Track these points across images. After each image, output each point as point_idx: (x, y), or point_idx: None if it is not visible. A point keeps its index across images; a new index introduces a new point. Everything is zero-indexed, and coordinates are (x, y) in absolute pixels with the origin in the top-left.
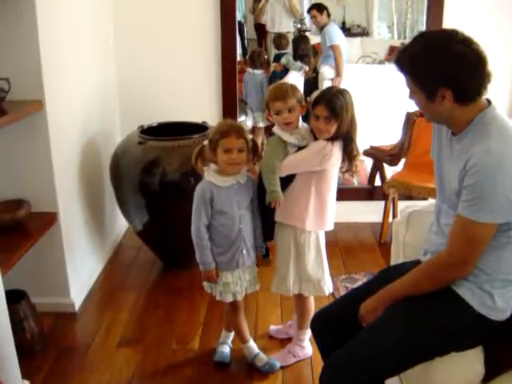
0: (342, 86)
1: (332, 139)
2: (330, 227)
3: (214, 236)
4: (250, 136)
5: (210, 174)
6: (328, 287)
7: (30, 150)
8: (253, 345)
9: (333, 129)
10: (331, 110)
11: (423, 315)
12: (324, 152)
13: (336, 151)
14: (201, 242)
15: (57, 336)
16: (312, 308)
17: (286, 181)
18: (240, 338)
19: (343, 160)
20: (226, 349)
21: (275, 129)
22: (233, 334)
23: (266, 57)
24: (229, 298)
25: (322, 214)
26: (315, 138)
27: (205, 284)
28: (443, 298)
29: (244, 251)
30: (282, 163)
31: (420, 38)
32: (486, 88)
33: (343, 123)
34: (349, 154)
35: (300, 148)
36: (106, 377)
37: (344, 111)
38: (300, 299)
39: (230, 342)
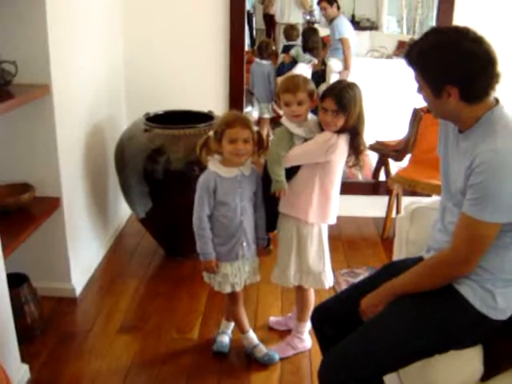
0: (349, 80)
1: (338, 132)
2: (332, 221)
3: (215, 227)
4: (255, 128)
5: (214, 165)
6: (328, 280)
7: (36, 134)
8: (252, 335)
9: (340, 122)
10: (339, 104)
11: (424, 312)
12: (329, 143)
13: (341, 144)
14: (202, 232)
15: (57, 321)
16: (312, 301)
17: (291, 172)
18: (239, 328)
19: (350, 154)
20: (225, 339)
21: (283, 119)
22: (233, 324)
23: (274, 48)
24: (227, 289)
25: (326, 207)
26: (322, 131)
27: (204, 274)
28: (445, 296)
29: (244, 243)
30: (288, 154)
31: (431, 34)
32: (493, 89)
33: (351, 117)
34: (355, 148)
35: (306, 140)
36: (106, 362)
37: (352, 105)
38: (300, 291)
39: (229, 331)
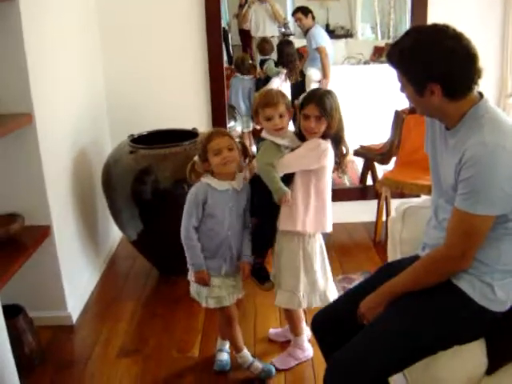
0: (328, 88)
1: (323, 138)
2: (329, 228)
3: (202, 239)
4: (234, 136)
5: (207, 177)
6: (333, 295)
7: (21, 163)
8: (247, 354)
9: (323, 127)
10: (322, 109)
11: (425, 310)
12: (321, 149)
13: (330, 147)
14: (190, 241)
15: (55, 349)
16: (300, 314)
17: (285, 184)
18: (234, 347)
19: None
20: (224, 356)
21: (264, 134)
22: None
23: (250, 61)
24: (213, 304)
25: (323, 214)
26: (301, 140)
27: (192, 290)
28: (444, 292)
29: (227, 258)
30: (281, 161)
31: (411, 33)
32: (476, 84)
33: (333, 122)
34: (339, 153)
35: (293, 149)
36: None
37: (334, 110)
38: (287, 309)
39: (227, 347)
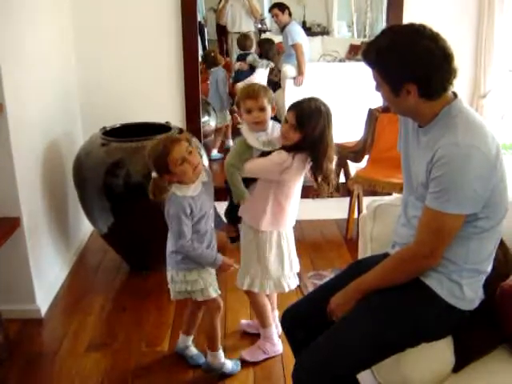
0: (303, 85)
1: (295, 149)
2: (288, 228)
3: (197, 239)
4: (184, 137)
5: (179, 189)
6: (288, 284)
7: None
8: (221, 354)
9: (295, 137)
10: (298, 119)
11: (393, 307)
12: (284, 165)
13: (296, 163)
14: (194, 250)
15: (24, 343)
16: (266, 305)
17: (249, 180)
18: (214, 344)
19: (313, 177)
20: (194, 350)
21: (243, 129)
22: (192, 337)
23: (212, 54)
24: (214, 294)
25: (280, 217)
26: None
27: (175, 292)
28: (412, 290)
29: (212, 246)
30: (244, 165)
31: (388, 33)
32: (451, 84)
33: (308, 136)
34: (315, 171)
35: (264, 153)
36: (76, 382)
37: (310, 123)
38: (251, 298)
39: (191, 342)
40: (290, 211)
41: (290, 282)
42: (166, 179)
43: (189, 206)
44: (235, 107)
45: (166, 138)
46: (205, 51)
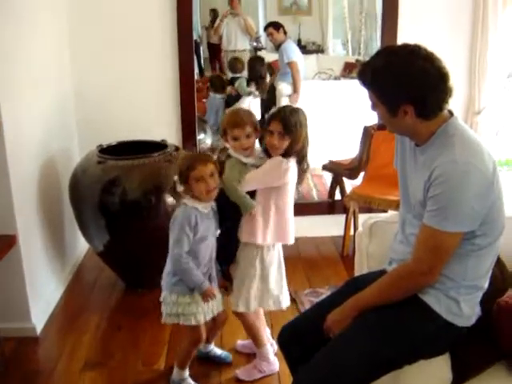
0: (298, 103)
1: (286, 155)
2: (290, 241)
3: (193, 259)
4: (213, 159)
5: (191, 201)
6: (285, 301)
7: None
8: (187, 370)
9: (285, 144)
10: (285, 126)
11: (391, 324)
12: (283, 167)
13: (293, 166)
14: (186, 266)
15: (19, 361)
16: (257, 325)
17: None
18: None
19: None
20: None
21: (232, 152)
22: (187, 371)
23: (224, 78)
24: (193, 321)
25: (284, 228)
26: (269, 156)
27: (166, 315)
28: (410, 307)
29: (213, 273)
30: (244, 180)
31: (383, 54)
32: (447, 103)
33: (297, 140)
34: (301, 170)
35: (258, 167)
36: None
37: (298, 128)
38: (242, 320)
39: (187, 374)
40: (291, 221)
41: (286, 299)
42: (184, 189)
43: (195, 218)
44: (221, 133)
45: (199, 155)
46: (215, 75)
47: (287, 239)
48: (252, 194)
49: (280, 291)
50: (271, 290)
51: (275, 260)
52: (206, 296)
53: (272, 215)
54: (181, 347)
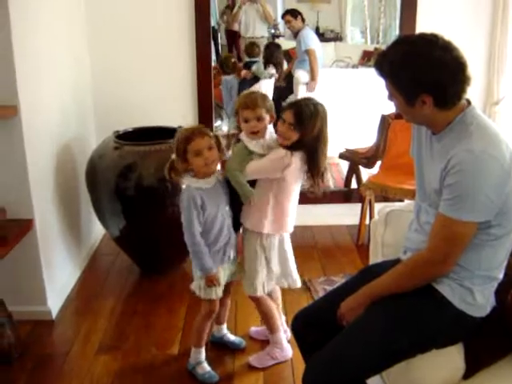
0: (316, 91)
1: (294, 148)
2: (289, 230)
3: (208, 237)
4: (211, 133)
5: (193, 181)
6: (293, 282)
7: (5, 155)
8: (203, 351)
9: (294, 137)
10: (297, 118)
11: (404, 313)
12: (284, 161)
13: (296, 161)
14: (198, 248)
15: (34, 344)
16: (272, 310)
17: (251, 183)
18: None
19: (308, 175)
20: (206, 368)
21: (242, 135)
22: (203, 350)
23: (233, 60)
24: (214, 295)
25: (281, 220)
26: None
27: (195, 285)
28: (424, 295)
29: (232, 240)
30: (246, 168)
31: (400, 44)
32: (465, 92)
33: (307, 134)
34: (312, 170)
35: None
36: None
37: (310, 123)
38: (257, 303)
39: (203, 357)
40: (291, 213)
41: (292, 280)
42: (183, 166)
43: (200, 198)
44: (234, 114)
45: (196, 128)
46: (224, 55)
47: (285, 229)
48: (253, 182)
49: (285, 273)
50: (275, 272)
51: (276, 246)
52: (210, 281)
53: (270, 208)
54: (196, 321)
